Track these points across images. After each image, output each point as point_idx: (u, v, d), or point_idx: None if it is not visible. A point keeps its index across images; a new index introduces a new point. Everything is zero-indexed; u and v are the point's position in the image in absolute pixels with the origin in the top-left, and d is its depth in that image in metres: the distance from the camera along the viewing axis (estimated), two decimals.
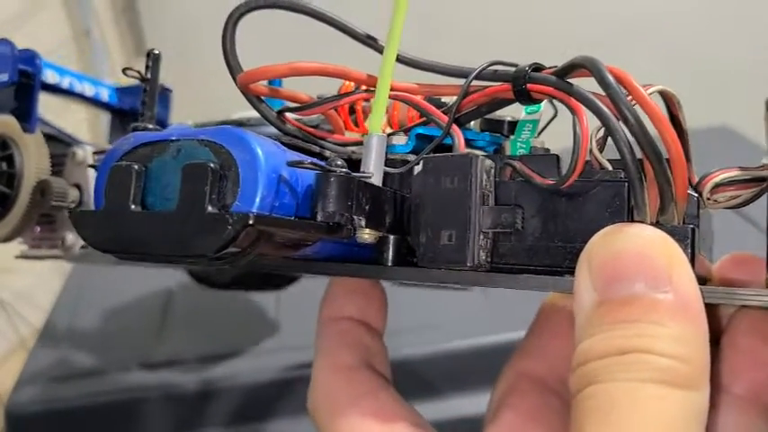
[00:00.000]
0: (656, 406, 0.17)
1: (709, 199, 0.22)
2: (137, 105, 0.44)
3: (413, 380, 0.46)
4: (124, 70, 0.25)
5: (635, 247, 0.18)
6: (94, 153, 0.31)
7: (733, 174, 0.22)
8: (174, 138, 0.21)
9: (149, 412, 0.48)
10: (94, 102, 0.41)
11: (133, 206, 0.20)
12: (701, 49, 1.11)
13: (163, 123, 0.44)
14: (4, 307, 0.85)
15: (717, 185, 0.22)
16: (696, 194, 0.22)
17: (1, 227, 0.30)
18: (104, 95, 0.41)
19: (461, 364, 0.46)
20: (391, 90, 0.23)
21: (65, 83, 0.37)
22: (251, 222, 0.18)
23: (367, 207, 0.21)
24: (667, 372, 0.17)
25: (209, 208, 0.19)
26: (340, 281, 0.28)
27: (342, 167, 0.20)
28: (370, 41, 0.23)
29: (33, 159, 0.29)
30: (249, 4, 0.22)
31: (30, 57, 0.30)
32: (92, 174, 0.30)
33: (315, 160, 0.20)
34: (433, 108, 0.23)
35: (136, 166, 0.21)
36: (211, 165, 0.19)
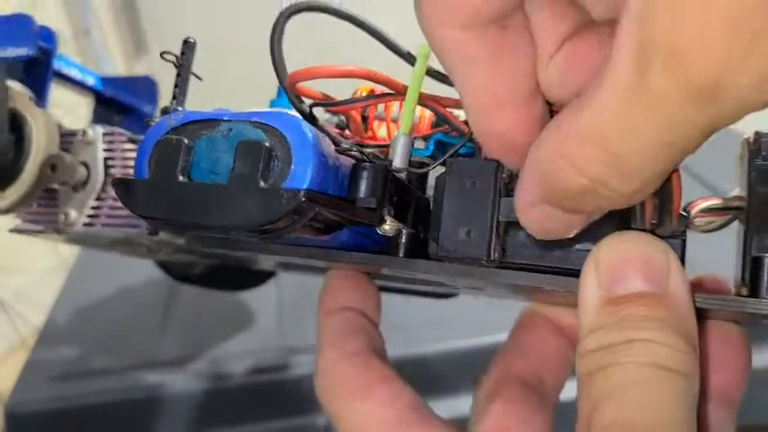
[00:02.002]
0: (661, 386, 0.19)
1: (690, 222, 0.25)
2: (119, 95, 0.45)
3: (424, 377, 0.47)
4: (162, 54, 0.26)
5: (638, 251, 0.21)
6: (104, 134, 0.31)
7: (716, 202, 0.25)
8: (226, 118, 0.22)
9: (149, 411, 0.48)
10: (80, 85, 0.41)
11: (181, 178, 0.21)
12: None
13: (150, 116, 0.45)
14: (5, 306, 0.83)
15: (701, 211, 0.25)
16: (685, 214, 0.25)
17: (3, 198, 0.30)
18: (90, 82, 0.42)
19: (472, 362, 0.48)
20: (420, 98, 0.25)
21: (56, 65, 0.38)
22: (303, 198, 0.20)
23: (395, 199, 0.23)
24: (669, 358, 0.19)
25: (262, 183, 0.20)
26: (338, 276, 0.29)
27: (379, 159, 0.22)
28: (404, 54, 0.26)
29: (44, 133, 0.30)
30: (298, 5, 0.24)
31: (48, 34, 0.31)
32: (100, 154, 0.31)
33: (346, 162, 0.22)
34: (454, 117, 0.25)
35: (185, 140, 0.22)
36: (266, 143, 0.21)
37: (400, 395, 0.25)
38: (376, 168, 0.22)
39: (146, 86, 0.46)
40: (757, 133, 0.24)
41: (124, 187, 0.22)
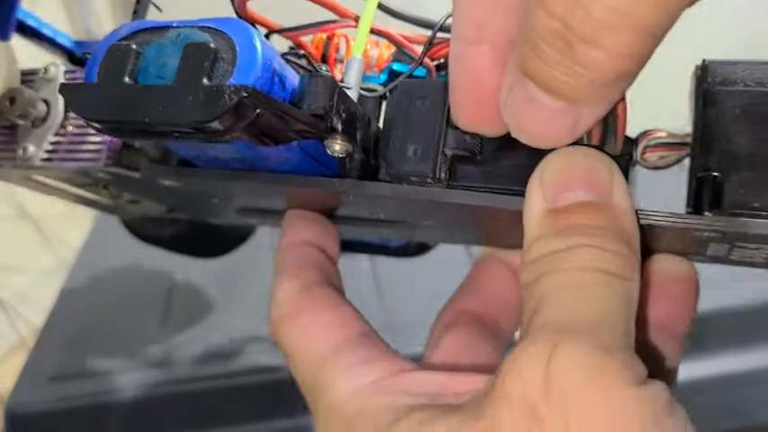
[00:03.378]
0: (601, 289, 0.19)
1: (641, 156, 0.26)
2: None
3: None
4: None
5: (583, 163, 0.21)
6: (65, 71, 0.31)
7: (664, 136, 0.25)
8: (174, 24, 0.22)
9: (150, 411, 0.48)
10: (52, 43, 0.41)
11: (127, 79, 0.22)
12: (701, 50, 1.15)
13: None
14: (5, 306, 0.83)
15: (648, 145, 0.25)
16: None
17: None
18: (63, 41, 0.42)
19: None
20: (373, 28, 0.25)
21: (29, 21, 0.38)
22: (245, 94, 0.20)
23: (344, 115, 0.23)
24: (610, 262, 0.20)
25: (206, 81, 0.20)
26: (298, 214, 0.30)
27: (328, 73, 0.22)
28: None
29: (4, 66, 0.30)
30: None
31: None
32: None
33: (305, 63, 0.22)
34: (408, 43, 0.26)
35: (134, 46, 0.22)
36: (212, 44, 0.21)
37: (349, 320, 0.25)
38: (325, 78, 0.22)
39: None
40: (703, 61, 0.24)
41: (72, 91, 0.22)
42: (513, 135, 0.20)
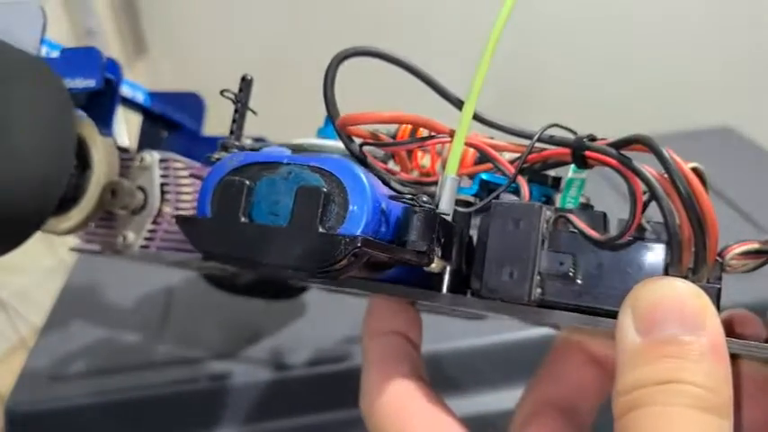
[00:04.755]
0: (695, 427, 0.20)
1: (727, 265, 0.26)
2: (167, 112, 0.47)
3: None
4: (222, 92, 0.27)
5: (675, 297, 0.22)
6: (160, 161, 0.33)
7: (754, 246, 0.26)
8: (285, 161, 0.23)
9: (150, 411, 0.49)
10: (131, 103, 0.43)
11: (243, 218, 0.23)
12: (701, 50, 1.13)
13: (197, 132, 0.46)
14: (5, 306, 0.84)
15: (737, 255, 0.26)
16: (720, 260, 0.26)
17: (67, 219, 0.31)
18: (139, 98, 0.44)
19: (482, 360, 0.49)
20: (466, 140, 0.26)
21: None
22: (359, 245, 0.21)
23: (442, 240, 0.24)
24: (702, 399, 0.20)
25: (320, 228, 0.22)
26: (383, 300, 0.31)
27: (428, 204, 0.23)
28: (453, 99, 0.27)
29: (105, 160, 0.32)
30: (354, 49, 0.26)
31: (113, 66, 0.32)
32: (156, 179, 0.32)
33: (408, 197, 0.23)
34: (501, 158, 0.27)
35: (247, 182, 0.23)
36: (324, 189, 0.22)
37: (450, 422, 0.26)
38: (426, 214, 0.23)
39: (192, 103, 0.48)
40: None
41: (189, 225, 0.24)
42: None
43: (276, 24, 1.13)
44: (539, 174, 0.29)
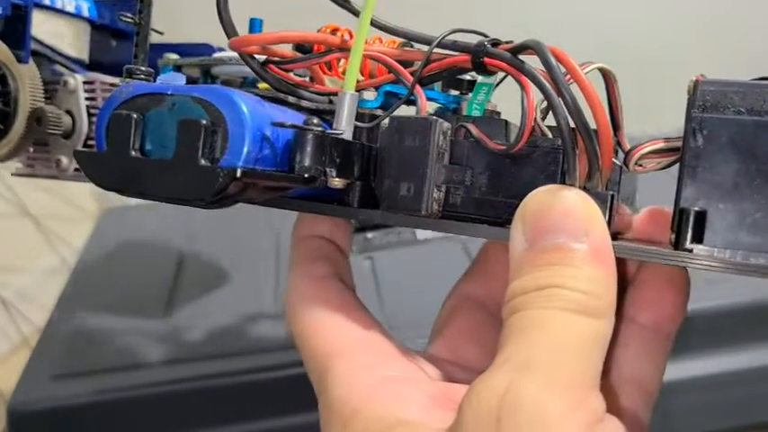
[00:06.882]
0: (564, 329, 0.21)
1: (637, 164, 0.26)
2: (115, 20, 0.46)
3: None
4: (119, 17, 0.27)
5: (560, 206, 0.22)
6: (84, 83, 0.33)
7: (659, 145, 0.25)
8: (170, 92, 0.23)
9: (151, 411, 0.49)
10: (76, 16, 0.42)
11: (133, 152, 0.23)
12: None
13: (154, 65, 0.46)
14: (7, 306, 0.84)
15: (643, 155, 0.25)
16: (620, 164, 0.25)
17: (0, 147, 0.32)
18: (85, 10, 0.43)
19: None
20: (365, 50, 0.25)
21: (46, 0, 0.39)
22: (238, 176, 0.21)
23: (338, 160, 0.24)
24: (578, 303, 0.21)
25: (202, 161, 0.22)
26: None
27: (317, 126, 0.23)
28: (346, 4, 0.26)
29: (28, 88, 0.32)
30: None
31: None
32: (83, 101, 0.32)
33: (294, 121, 0.23)
34: (402, 68, 0.26)
35: (135, 115, 0.23)
36: (204, 121, 0.22)
37: (353, 306, 0.28)
38: (315, 137, 0.23)
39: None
40: (697, 80, 0.24)
41: (84, 159, 0.24)
42: None
43: None
44: (454, 80, 0.29)
